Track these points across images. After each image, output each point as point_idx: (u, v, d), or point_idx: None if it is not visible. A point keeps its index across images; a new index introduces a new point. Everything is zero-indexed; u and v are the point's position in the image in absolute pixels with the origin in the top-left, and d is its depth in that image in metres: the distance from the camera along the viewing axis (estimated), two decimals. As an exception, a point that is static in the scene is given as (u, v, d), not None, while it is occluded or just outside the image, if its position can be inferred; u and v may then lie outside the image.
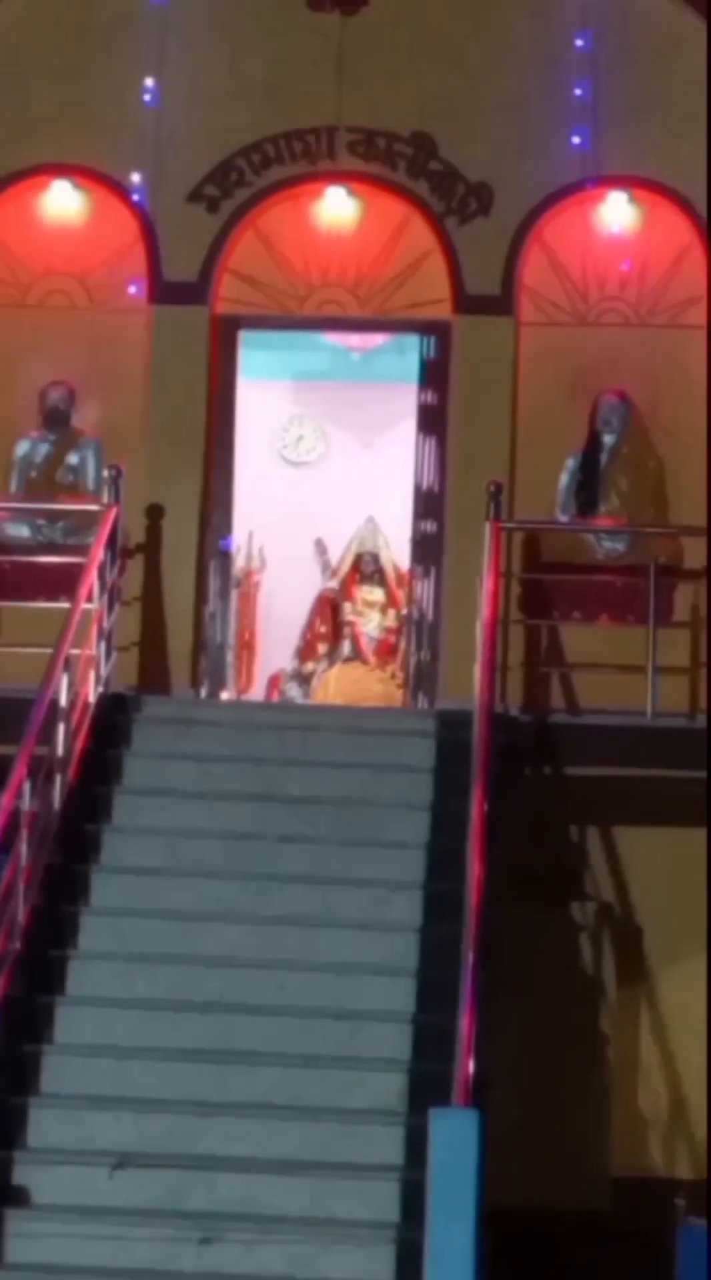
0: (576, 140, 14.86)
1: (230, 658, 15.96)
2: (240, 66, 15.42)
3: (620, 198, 15.09)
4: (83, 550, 13.48)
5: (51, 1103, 9.75)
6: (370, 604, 16.96)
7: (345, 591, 17.00)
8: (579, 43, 15.04)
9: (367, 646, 16.91)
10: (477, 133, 15.19)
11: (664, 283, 15.23)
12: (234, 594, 16.02)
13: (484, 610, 12.95)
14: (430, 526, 15.26)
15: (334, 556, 17.33)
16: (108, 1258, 8.85)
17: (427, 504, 15.30)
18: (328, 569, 17.35)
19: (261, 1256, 8.74)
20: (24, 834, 10.42)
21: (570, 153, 15.02)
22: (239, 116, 15.36)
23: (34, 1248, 8.82)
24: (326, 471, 17.67)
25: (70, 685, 11.88)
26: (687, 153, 14.99)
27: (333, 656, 16.86)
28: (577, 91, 14.99)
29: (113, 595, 13.73)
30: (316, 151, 15.24)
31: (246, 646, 16.72)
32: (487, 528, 13.53)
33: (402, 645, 16.32)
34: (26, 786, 10.39)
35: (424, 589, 15.36)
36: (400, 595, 16.81)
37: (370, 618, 16.90)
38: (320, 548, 17.47)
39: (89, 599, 12.71)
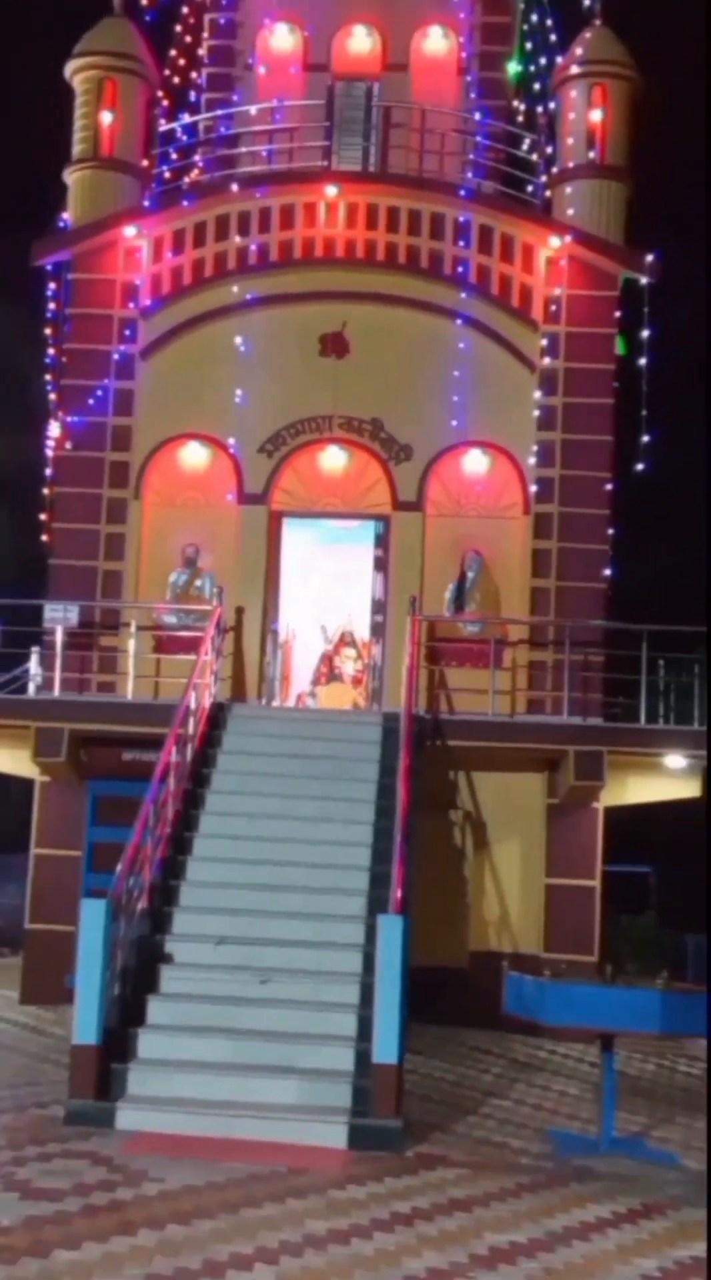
0: (454, 423, 17.71)
1: (277, 684, 17.76)
2: (285, 382, 17.93)
3: (477, 451, 17.94)
4: (202, 629, 16.16)
5: (185, 909, 12.39)
6: (348, 658, 18.61)
7: (336, 650, 18.64)
8: (456, 373, 17.67)
9: (347, 678, 18.58)
10: (406, 419, 17.82)
11: (497, 495, 17.97)
12: (279, 651, 17.89)
13: (407, 660, 15.98)
14: (379, 618, 17.90)
15: (330, 633, 18.82)
16: (217, 988, 11.40)
17: (377, 607, 17.92)
18: (326, 640, 18.85)
19: (292, 989, 11.36)
20: (174, 773, 13.30)
21: (451, 429, 17.79)
22: (282, 409, 17.92)
23: (178, 982, 11.53)
24: (326, 590, 18.99)
25: (197, 697, 14.72)
26: (511, 425, 17.82)
27: (329, 683, 18.57)
28: (455, 398, 17.65)
29: (218, 652, 16.46)
30: (323, 427, 17.90)
31: (285, 678, 18.06)
32: (409, 619, 16.61)
33: (365, 678, 18.16)
34: (175, 749, 13.59)
35: (377, 650, 17.86)
36: (365, 653, 18.41)
37: (348, 664, 18.56)
38: (323, 630, 18.93)
39: (205, 653, 15.46)
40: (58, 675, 17.12)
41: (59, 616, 17.36)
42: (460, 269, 18.13)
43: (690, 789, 16.88)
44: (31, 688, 17.71)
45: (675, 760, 16.47)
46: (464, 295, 18.07)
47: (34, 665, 17.80)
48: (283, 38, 20.02)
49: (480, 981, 15.62)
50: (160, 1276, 6.79)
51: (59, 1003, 14.45)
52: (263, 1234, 7.61)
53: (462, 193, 18.27)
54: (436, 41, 19.80)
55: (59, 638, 17.24)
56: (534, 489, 17.85)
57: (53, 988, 14.91)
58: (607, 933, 16.98)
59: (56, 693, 17.00)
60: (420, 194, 18.28)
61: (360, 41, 19.76)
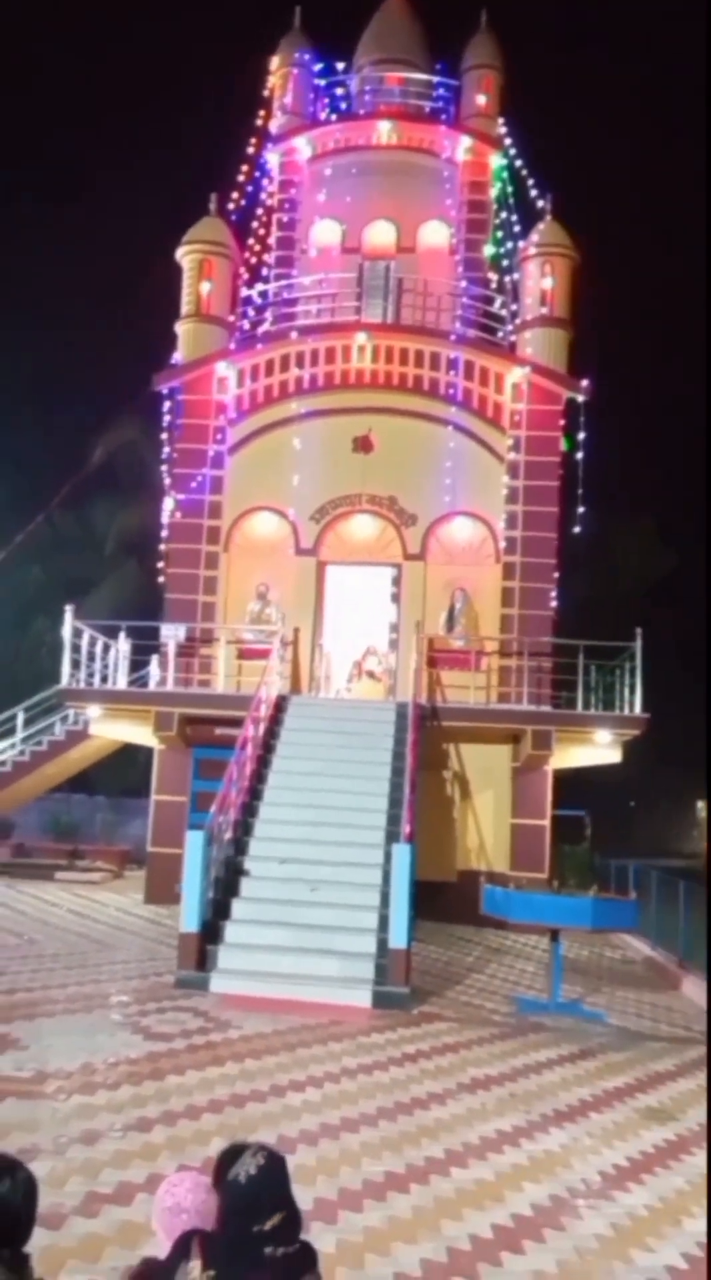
0: (447, 498, 17.73)
1: (322, 682, 17.72)
2: (328, 470, 17.92)
3: (462, 518, 17.93)
4: (270, 644, 16.17)
5: (258, 838, 12.28)
6: (372, 663, 18.03)
7: (364, 658, 18.07)
8: (448, 463, 17.68)
9: (374, 676, 17.98)
10: (413, 495, 17.91)
11: (477, 548, 17.95)
12: (323, 659, 17.87)
13: (413, 665, 16.04)
14: (394, 635, 17.90)
15: (360, 648, 18.22)
16: (280, 893, 11.24)
17: (393, 628, 17.97)
18: (359, 651, 18.25)
19: (332, 895, 11.25)
20: (251, 743, 13.46)
21: (444, 502, 17.81)
22: (326, 488, 18.01)
23: (253, 889, 11.43)
24: (356, 616, 18.34)
25: (267, 691, 14.80)
26: (487, 499, 17.75)
27: (359, 680, 18.07)
28: (447, 480, 17.67)
29: (281, 659, 16.30)
30: (355, 501, 18.03)
31: (327, 678, 17.91)
32: (415, 637, 16.57)
33: (384, 678, 17.77)
34: (252, 726, 13.72)
35: (392, 657, 17.83)
36: (384, 660, 18.01)
37: (374, 667, 17.97)
38: (366, 650, 18.25)
39: (272, 660, 15.56)
40: (170, 675, 17.25)
41: (171, 634, 17.47)
42: (452, 391, 18.18)
43: (613, 756, 16.60)
44: (152, 683, 17.91)
45: (603, 736, 16.26)
46: (454, 409, 18.12)
47: (154, 668, 18.08)
48: (327, 230, 20.11)
49: (464, 891, 15.43)
50: (240, 1094, 6.83)
51: (171, 903, 14.38)
52: (311, 1066, 7.67)
53: (453, 338, 18.31)
54: (436, 231, 19.90)
55: (171, 649, 17.35)
56: (503, 544, 17.85)
57: (167, 893, 14.88)
58: (555, 858, 16.92)
59: (169, 687, 17.09)
60: (423, 339, 18.34)
61: (382, 232, 19.83)
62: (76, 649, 16.70)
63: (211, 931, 10.72)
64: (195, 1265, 2.71)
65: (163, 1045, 7.94)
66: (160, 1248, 3.00)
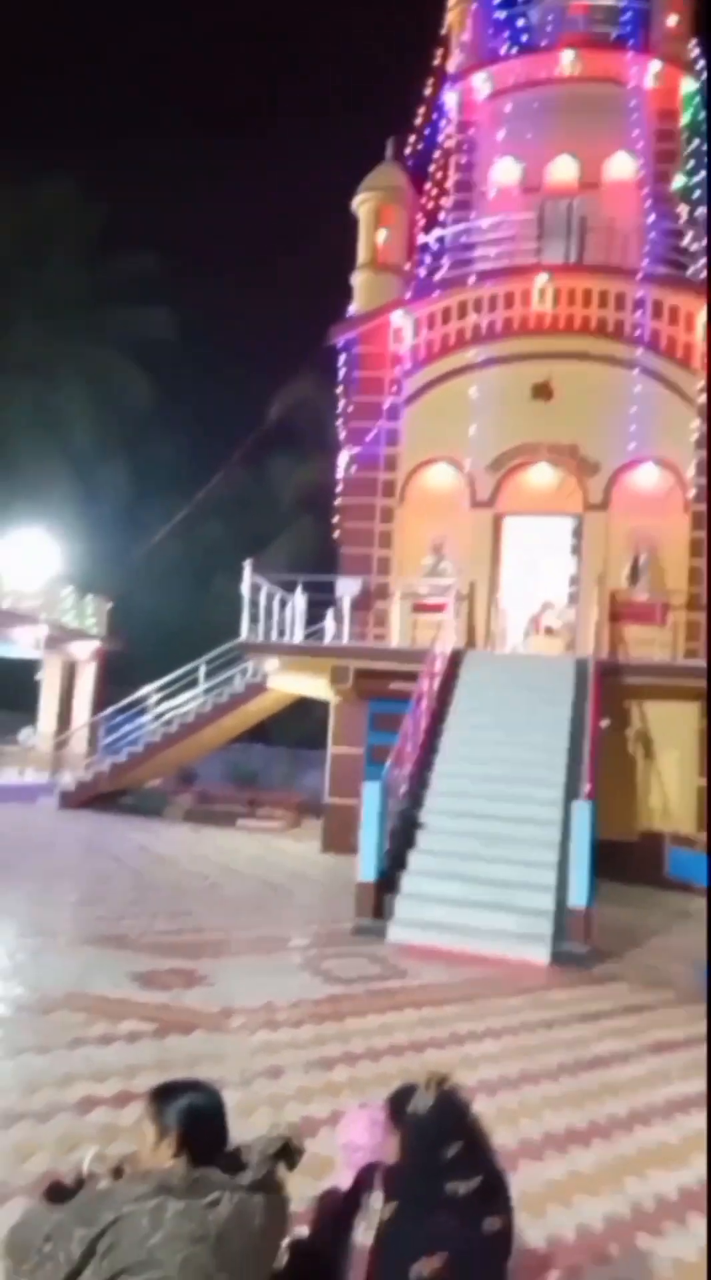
0: (631, 445, 17.09)
1: (498, 637, 17.64)
2: (506, 419, 17.55)
3: (649, 465, 17.26)
4: (445, 598, 16.38)
5: (434, 791, 12.32)
6: (552, 617, 17.72)
7: (541, 614, 17.76)
8: (633, 408, 17.03)
9: (552, 631, 17.59)
10: (596, 443, 17.31)
11: (664, 497, 17.04)
12: (499, 613, 17.74)
13: (595, 620, 15.60)
14: (573, 589, 17.51)
15: (538, 603, 17.87)
16: (456, 846, 11.28)
17: (572, 581, 17.63)
18: (537, 606, 17.92)
19: (508, 851, 11.10)
20: (426, 697, 13.65)
21: (629, 449, 17.18)
22: (504, 438, 17.64)
23: (428, 841, 11.38)
24: (532, 569, 18.07)
25: (442, 645, 14.93)
26: (674, 445, 16.86)
27: (537, 635, 17.73)
28: (632, 426, 17.05)
29: (456, 613, 16.37)
30: (534, 450, 17.61)
31: (504, 632, 17.77)
32: (597, 589, 16.29)
33: (562, 633, 17.46)
34: (427, 680, 13.80)
35: (571, 612, 17.42)
36: (564, 615, 17.69)
37: (552, 622, 17.63)
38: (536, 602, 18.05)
39: (447, 614, 15.72)
40: (346, 628, 17.44)
41: (347, 588, 17.69)
42: (638, 332, 17.51)
43: None
44: (328, 637, 18.15)
45: None
46: (640, 351, 17.44)
47: (329, 622, 18.31)
48: (507, 169, 19.64)
49: (647, 852, 15.52)
50: (419, 1040, 6.91)
51: (347, 852, 14.45)
52: (489, 1018, 7.66)
53: (640, 276, 17.65)
54: (621, 164, 19.13)
55: (346, 603, 17.56)
56: (692, 492, 17.11)
57: (344, 842, 15.06)
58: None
59: (345, 640, 17.30)
60: (608, 278, 17.74)
61: (564, 168, 19.23)
62: (255, 604, 17.10)
63: (388, 881, 10.83)
64: (377, 1196, 2.79)
65: (342, 989, 8.10)
66: (342, 1180, 3.12)
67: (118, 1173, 2.68)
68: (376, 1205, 2.75)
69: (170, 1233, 2.33)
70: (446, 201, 20.11)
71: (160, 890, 12.14)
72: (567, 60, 19.35)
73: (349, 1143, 3.19)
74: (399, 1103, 2.79)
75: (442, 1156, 2.67)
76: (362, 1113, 3.20)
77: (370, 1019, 7.29)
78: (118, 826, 18.30)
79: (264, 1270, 2.58)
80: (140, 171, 39.14)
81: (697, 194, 18.80)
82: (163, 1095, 2.62)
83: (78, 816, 19.50)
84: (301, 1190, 4.09)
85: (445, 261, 19.18)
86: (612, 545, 17.30)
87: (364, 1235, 2.69)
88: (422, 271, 19.12)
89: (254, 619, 17.13)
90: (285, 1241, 2.74)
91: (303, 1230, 3.06)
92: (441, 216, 20.07)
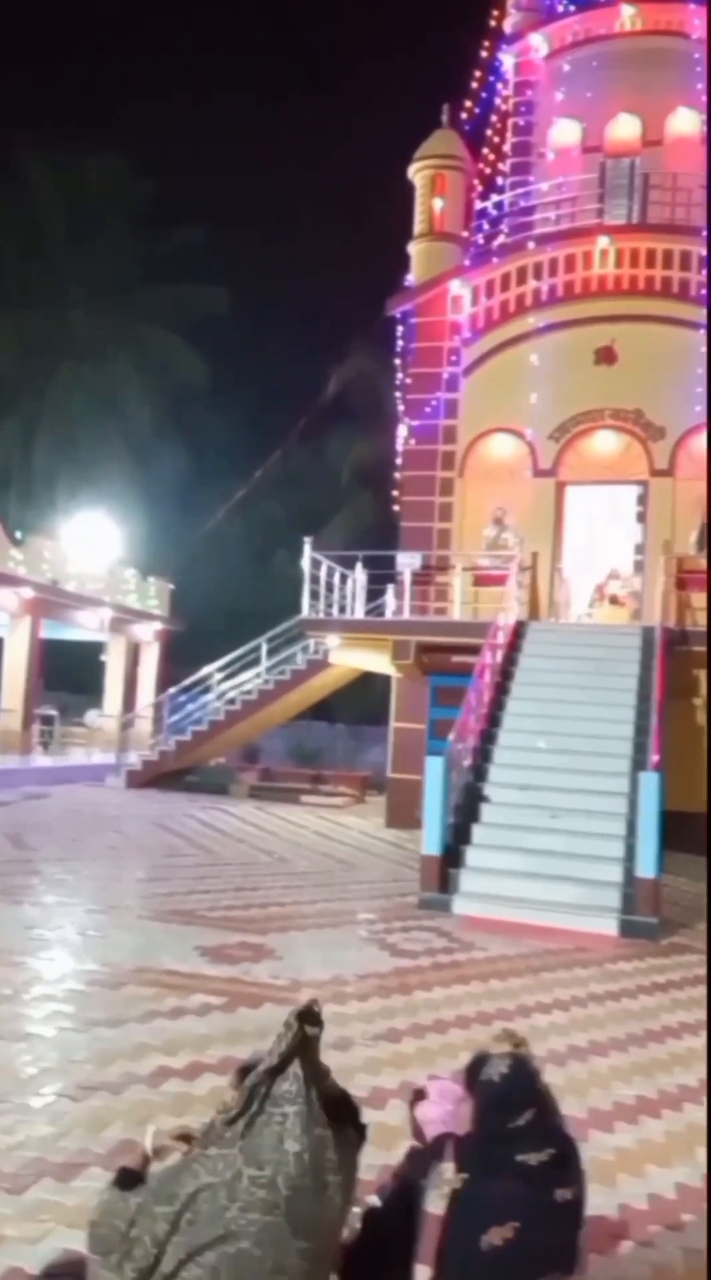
0: (698, 409, 16.55)
1: (562, 607, 17.45)
2: (568, 385, 17.33)
3: None
4: (508, 569, 16.16)
5: (498, 764, 12.23)
6: (615, 586, 17.57)
7: (606, 583, 17.64)
8: (699, 370, 16.52)
9: (617, 600, 17.49)
10: (660, 407, 16.94)
11: None
12: (563, 583, 17.52)
13: (661, 588, 15.38)
14: (639, 557, 17.18)
15: (602, 572, 17.77)
16: (520, 819, 11.31)
17: (638, 549, 17.28)
18: (601, 575, 17.80)
19: (574, 822, 11.03)
20: (488, 670, 13.69)
21: (695, 413, 16.68)
22: (566, 405, 17.40)
23: (492, 814, 11.43)
24: (596, 538, 17.92)
25: (505, 617, 14.86)
26: None
27: (601, 605, 17.67)
28: (698, 389, 16.54)
29: (519, 584, 16.18)
30: (597, 416, 17.33)
31: (568, 602, 17.67)
32: (663, 557, 15.87)
33: (628, 601, 17.32)
34: (490, 653, 13.81)
35: (637, 580, 17.21)
36: (629, 584, 17.49)
37: (618, 591, 17.48)
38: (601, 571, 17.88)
39: (509, 586, 15.62)
40: (407, 603, 17.26)
41: (407, 563, 17.50)
42: (705, 291, 17.03)
43: None
44: (389, 612, 18.10)
45: None
46: (707, 311, 16.93)
47: (390, 597, 18.25)
48: (566, 130, 19.36)
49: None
50: (486, 1012, 6.91)
51: (411, 827, 14.70)
52: (556, 990, 7.64)
53: (706, 234, 17.10)
54: (685, 120, 18.71)
55: (407, 577, 17.37)
56: (761, 456, 16.53)
57: (408, 817, 15.16)
58: None
59: (406, 615, 17.16)
60: (673, 237, 17.28)
61: (625, 126, 18.88)
62: (315, 580, 17.20)
63: (452, 855, 10.82)
64: (448, 1167, 2.81)
65: (409, 961, 8.14)
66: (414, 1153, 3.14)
67: (186, 1139, 2.74)
68: (448, 1175, 2.79)
69: (246, 1203, 2.36)
70: (504, 166, 19.88)
71: (227, 866, 12.30)
72: (628, 14, 18.92)
73: (421, 1115, 3.23)
74: (473, 1070, 2.82)
75: (514, 1124, 2.69)
76: (435, 1083, 3.23)
77: (437, 992, 7.32)
78: (183, 804, 18.56)
79: (336, 1230, 2.59)
80: (190, 144, 39.06)
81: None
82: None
83: (144, 795, 19.82)
84: (371, 1160, 4.14)
85: (504, 227, 18.94)
86: (679, 511, 16.90)
87: (435, 1205, 2.70)
88: (481, 238, 18.88)
89: (314, 596, 17.22)
90: (357, 1210, 2.80)
91: (374, 1200, 3.06)
92: (499, 181, 19.85)
